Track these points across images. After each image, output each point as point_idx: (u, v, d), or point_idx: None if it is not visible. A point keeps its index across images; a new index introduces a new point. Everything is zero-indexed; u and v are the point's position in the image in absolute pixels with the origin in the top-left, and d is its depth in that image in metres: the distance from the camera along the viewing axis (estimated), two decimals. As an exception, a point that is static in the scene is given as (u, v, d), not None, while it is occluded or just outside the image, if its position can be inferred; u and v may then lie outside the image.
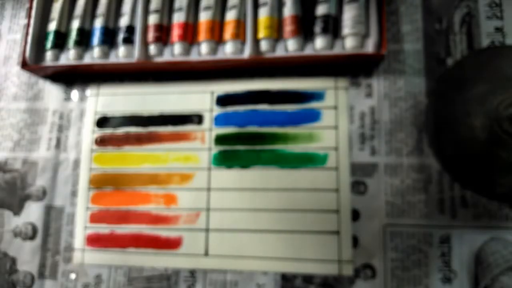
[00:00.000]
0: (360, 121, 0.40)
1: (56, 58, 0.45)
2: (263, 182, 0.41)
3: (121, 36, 0.44)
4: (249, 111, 0.42)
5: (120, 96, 0.45)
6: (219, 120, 0.43)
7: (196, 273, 0.40)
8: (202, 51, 0.42)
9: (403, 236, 0.38)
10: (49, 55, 0.45)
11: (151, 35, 0.43)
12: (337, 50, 0.40)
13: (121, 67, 0.44)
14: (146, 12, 0.44)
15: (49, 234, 0.43)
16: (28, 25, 0.45)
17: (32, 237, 0.43)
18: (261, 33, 0.41)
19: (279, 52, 0.41)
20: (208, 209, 0.41)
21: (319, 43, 0.40)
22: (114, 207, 0.43)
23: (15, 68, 0.48)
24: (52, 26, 0.45)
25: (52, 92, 0.47)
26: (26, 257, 0.43)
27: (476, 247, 0.36)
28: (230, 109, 0.43)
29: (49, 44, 0.45)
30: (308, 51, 0.40)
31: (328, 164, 0.40)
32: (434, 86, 0.40)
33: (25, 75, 0.48)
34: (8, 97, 0.48)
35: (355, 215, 0.39)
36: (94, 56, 0.44)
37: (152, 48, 0.43)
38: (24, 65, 0.44)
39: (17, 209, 0.44)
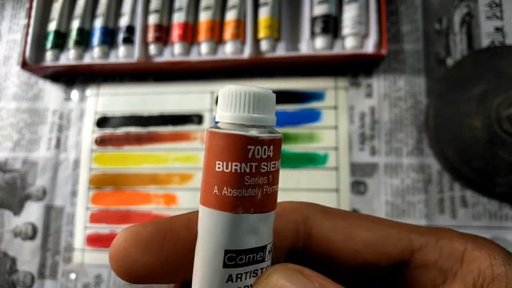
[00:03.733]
0: (360, 121, 0.40)
1: (56, 58, 0.45)
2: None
3: (121, 36, 0.44)
4: (249, 111, 0.42)
5: (120, 96, 0.45)
6: (219, 120, 0.43)
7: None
8: (202, 51, 0.42)
9: (403, 236, 0.38)
10: (49, 55, 0.45)
11: (151, 35, 0.43)
12: (337, 50, 0.40)
13: (121, 67, 0.44)
14: (146, 12, 0.44)
15: (49, 234, 0.43)
16: (28, 25, 0.45)
17: (32, 237, 0.43)
18: (261, 33, 0.41)
19: (279, 52, 0.41)
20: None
21: (319, 43, 0.40)
22: (114, 207, 0.43)
23: (15, 68, 0.48)
24: (52, 26, 0.45)
25: (52, 92, 0.47)
26: (26, 257, 0.43)
27: (476, 247, 0.36)
28: (230, 109, 0.43)
29: (49, 44, 0.45)
30: (309, 51, 0.40)
31: (328, 164, 0.40)
32: (434, 86, 0.40)
33: (25, 75, 0.48)
34: (8, 97, 0.48)
35: (355, 215, 0.39)
36: (94, 56, 0.44)
37: (152, 48, 0.43)
38: (24, 65, 0.44)
39: (17, 209, 0.44)
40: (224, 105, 0.13)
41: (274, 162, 0.13)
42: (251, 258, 0.12)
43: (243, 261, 0.12)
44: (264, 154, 0.12)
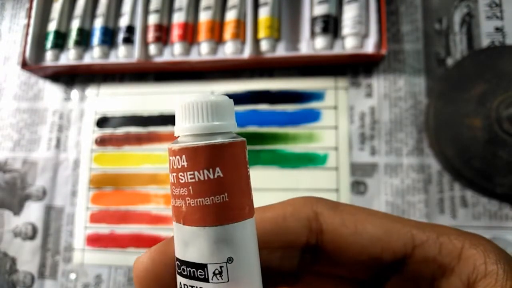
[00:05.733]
0: (360, 121, 0.40)
1: (56, 58, 0.45)
2: (263, 182, 0.40)
3: (121, 36, 0.44)
4: (249, 111, 0.42)
5: (120, 96, 0.45)
6: (219, 120, 0.43)
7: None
8: (202, 51, 0.42)
9: (403, 236, 0.38)
10: (49, 55, 0.45)
11: (151, 35, 0.43)
12: (337, 50, 0.40)
13: (121, 67, 0.44)
14: (146, 12, 0.44)
15: (49, 234, 0.43)
16: (28, 25, 0.45)
17: (32, 237, 0.43)
18: (261, 33, 0.41)
19: (279, 52, 0.41)
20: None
21: (319, 43, 0.40)
22: (114, 207, 0.43)
23: (15, 68, 0.48)
24: (52, 26, 0.45)
25: (52, 92, 0.47)
26: (26, 257, 0.43)
27: (476, 247, 0.36)
28: (230, 109, 0.43)
29: (49, 44, 0.45)
30: (309, 51, 0.40)
31: (328, 164, 0.40)
32: (434, 86, 0.40)
33: (25, 75, 0.48)
34: (8, 97, 0.48)
35: (355, 215, 0.39)
36: (94, 56, 0.44)
37: (152, 48, 0.43)
38: (24, 65, 0.44)
39: (17, 209, 0.44)
40: (176, 119, 0.13)
41: (191, 172, 0.12)
42: (191, 272, 0.12)
43: (185, 273, 0.12)
44: (178, 165, 0.12)
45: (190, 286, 0.12)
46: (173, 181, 0.12)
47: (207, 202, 0.12)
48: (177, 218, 0.12)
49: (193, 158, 0.12)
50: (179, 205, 0.12)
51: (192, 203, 0.12)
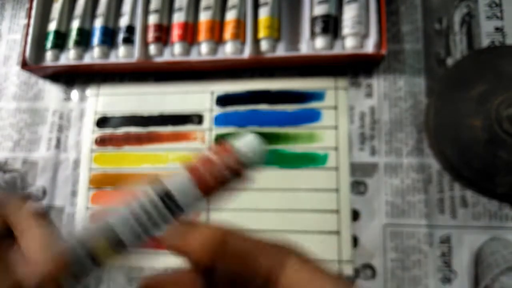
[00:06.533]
0: (360, 121, 0.40)
1: (56, 58, 0.45)
2: (264, 182, 0.40)
3: (121, 36, 0.44)
4: (249, 111, 0.42)
5: (120, 96, 0.45)
6: (219, 120, 0.43)
7: (196, 273, 0.40)
8: (202, 51, 0.42)
9: (403, 236, 0.38)
10: (49, 55, 0.45)
11: (151, 35, 0.43)
12: (337, 50, 0.40)
13: (121, 67, 0.44)
14: (146, 12, 0.44)
15: (49, 234, 0.43)
16: (28, 25, 0.45)
17: (32, 237, 0.43)
18: (261, 33, 0.41)
19: (279, 52, 0.41)
20: (208, 209, 0.41)
21: (319, 43, 0.40)
22: (114, 207, 0.43)
23: (15, 68, 0.48)
24: (52, 26, 0.45)
25: (52, 92, 0.47)
26: (26, 257, 0.43)
27: (476, 247, 0.37)
28: (230, 109, 0.43)
29: (49, 44, 0.45)
30: (309, 51, 0.40)
31: (328, 164, 0.40)
32: (434, 86, 0.40)
33: (25, 75, 0.48)
34: (8, 97, 0.48)
35: (355, 215, 0.39)
36: (94, 56, 0.44)
37: (152, 48, 0.43)
38: (24, 65, 0.44)
39: (17, 209, 0.44)
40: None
41: None
42: None
43: None
44: None
45: None
46: None
47: None
48: None
49: None
50: None
51: None
